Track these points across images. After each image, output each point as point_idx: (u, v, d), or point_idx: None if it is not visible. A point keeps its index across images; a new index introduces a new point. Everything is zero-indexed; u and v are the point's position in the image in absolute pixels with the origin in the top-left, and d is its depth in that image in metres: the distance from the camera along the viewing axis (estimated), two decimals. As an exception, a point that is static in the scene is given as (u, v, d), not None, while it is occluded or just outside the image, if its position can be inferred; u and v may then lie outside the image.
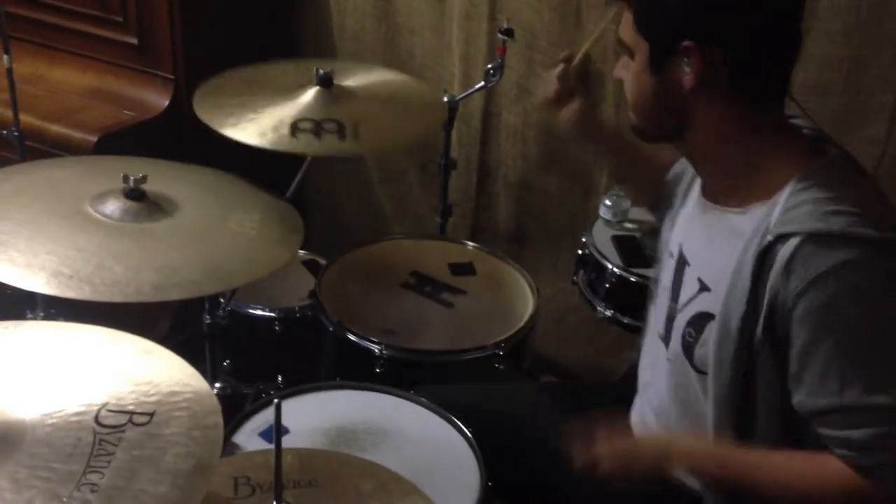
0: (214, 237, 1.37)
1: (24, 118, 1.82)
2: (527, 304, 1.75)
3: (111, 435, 0.82)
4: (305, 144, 1.57)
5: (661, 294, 1.26)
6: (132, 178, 1.33)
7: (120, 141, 1.96)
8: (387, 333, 1.61)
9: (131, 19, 2.04)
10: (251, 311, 1.84)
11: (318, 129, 1.59)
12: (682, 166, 1.33)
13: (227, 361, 1.83)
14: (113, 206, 1.33)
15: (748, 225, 1.07)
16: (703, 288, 1.14)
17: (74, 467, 0.78)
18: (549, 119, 2.13)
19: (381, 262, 1.85)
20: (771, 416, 1.08)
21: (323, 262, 1.89)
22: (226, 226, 1.40)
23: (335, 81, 1.67)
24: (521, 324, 1.67)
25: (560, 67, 1.46)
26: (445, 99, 1.94)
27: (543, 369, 2.34)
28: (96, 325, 0.98)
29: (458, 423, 1.34)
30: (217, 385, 1.78)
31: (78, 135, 1.96)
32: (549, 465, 1.25)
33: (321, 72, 1.66)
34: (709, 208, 1.17)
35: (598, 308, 1.78)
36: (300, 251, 1.94)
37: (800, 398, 1.03)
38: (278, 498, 0.86)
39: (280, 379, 1.80)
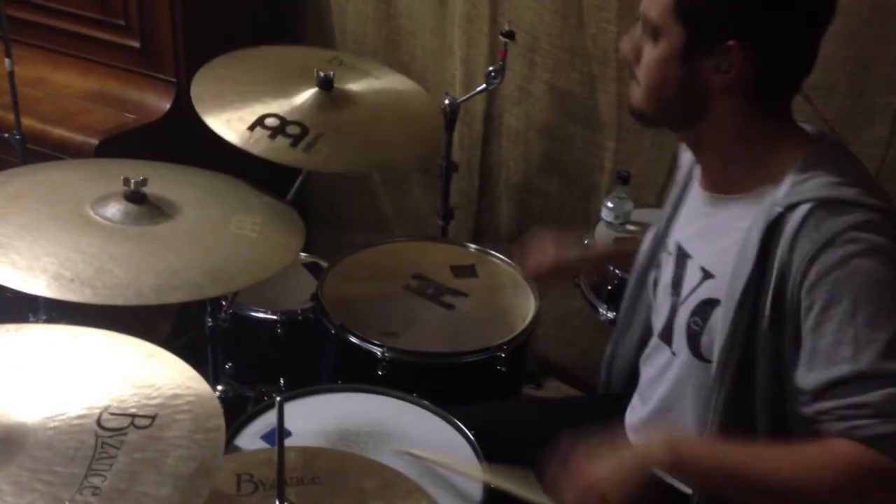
0: (216, 240, 1.37)
1: (26, 121, 1.82)
2: (529, 306, 1.74)
3: (113, 438, 0.82)
4: (255, 141, 1.55)
5: (660, 295, 1.26)
6: (133, 181, 1.33)
7: (121, 144, 1.96)
8: (389, 336, 1.61)
9: (133, 23, 2.04)
10: (253, 313, 1.84)
11: (280, 129, 1.57)
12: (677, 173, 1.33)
13: (229, 364, 1.83)
14: (114, 209, 1.33)
15: (752, 208, 1.08)
16: (707, 275, 1.14)
17: (76, 470, 0.78)
18: (550, 121, 2.13)
19: (383, 264, 1.85)
20: (767, 406, 1.07)
21: (324, 264, 1.89)
22: (227, 228, 1.40)
23: (336, 84, 1.67)
24: (523, 326, 1.67)
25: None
26: (447, 101, 1.95)
27: (545, 372, 2.34)
28: (98, 328, 0.98)
29: (460, 424, 1.33)
30: (219, 388, 1.78)
31: (79, 138, 1.97)
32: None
33: (321, 74, 1.66)
34: (710, 199, 1.17)
35: (601, 310, 1.77)
36: (302, 253, 1.93)
37: (814, 374, 0.99)
38: (281, 496, 0.86)
39: (282, 381, 1.79)
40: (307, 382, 1.45)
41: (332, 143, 1.59)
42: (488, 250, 1.92)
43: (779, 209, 1.02)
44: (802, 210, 1.00)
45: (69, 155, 1.95)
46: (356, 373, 1.54)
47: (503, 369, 1.60)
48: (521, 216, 2.28)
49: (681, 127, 1.16)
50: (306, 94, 1.66)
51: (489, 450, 1.29)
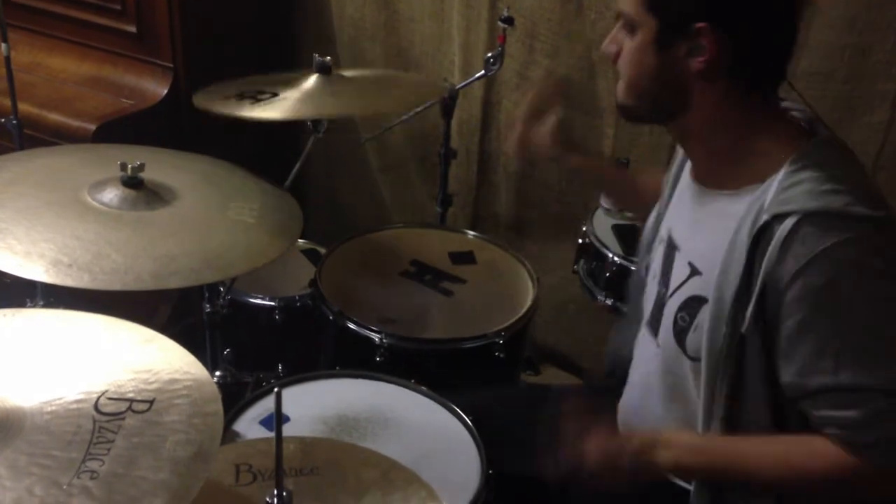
0: (213, 226, 1.36)
1: (23, 106, 1.81)
2: (527, 292, 1.74)
3: (111, 422, 0.82)
4: (259, 109, 1.54)
5: (650, 282, 1.26)
6: (130, 166, 1.32)
7: (118, 129, 1.95)
8: (387, 322, 1.61)
9: (130, 7, 2.03)
10: (251, 299, 1.84)
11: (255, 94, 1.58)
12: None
13: (228, 350, 1.82)
14: (111, 195, 1.32)
15: (740, 207, 1.07)
16: (695, 272, 1.14)
17: (74, 455, 0.78)
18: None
19: (382, 250, 1.85)
20: (758, 401, 1.07)
21: (323, 251, 1.89)
22: (225, 214, 1.40)
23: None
24: (521, 312, 1.67)
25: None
26: (445, 87, 1.94)
27: (543, 358, 2.35)
28: (96, 313, 0.98)
29: (459, 411, 1.34)
30: (217, 373, 1.78)
31: (76, 123, 1.96)
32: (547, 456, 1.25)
33: (319, 59, 1.65)
34: (699, 191, 1.16)
35: (598, 297, 1.78)
36: (300, 240, 1.93)
37: (790, 378, 1.03)
38: (279, 485, 0.86)
39: (280, 367, 1.80)
40: (305, 368, 1.45)
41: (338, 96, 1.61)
42: (486, 237, 1.92)
43: (766, 217, 1.01)
44: (789, 223, 0.99)
45: (66, 140, 1.94)
46: (354, 359, 1.55)
47: (501, 356, 1.60)
48: (519, 203, 2.28)
49: (664, 118, 1.15)
50: (306, 81, 1.65)
51: (487, 435, 1.29)
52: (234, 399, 1.33)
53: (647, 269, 1.30)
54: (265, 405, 1.33)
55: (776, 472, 1.07)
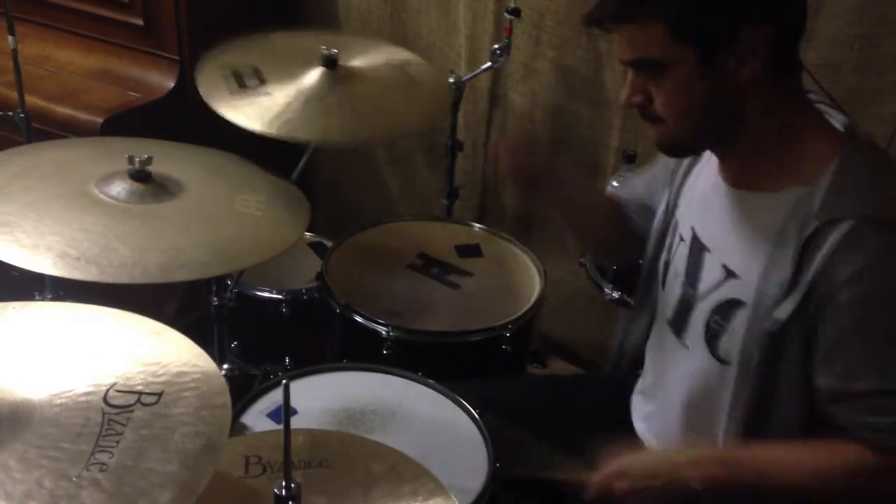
0: (220, 219, 1.36)
1: (30, 99, 1.81)
2: (534, 285, 1.74)
3: (120, 415, 0.82)
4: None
5: (670, 280, 1.24)
6: (138, 159, 1.33)
7: (126, 122, 1.95)
8: (393, 315, 1.61)
9: (136, 0, 2.03)
10: (258, 293, 1.84)
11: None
12: None
13: (235, 343, 1.83)
14: (119, 188, 1.33)
15: (782, 209, 1.05)
16: (730, 275, 1.11)
17: (83, 447, 0.79)
18: (556, 100, 2.12)
19: (388, 244, 1.85)
20: (791, 405, 1.07)
21: (329, 244, 1.89)
22: (232, 207, 1.40)
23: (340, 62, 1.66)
24: (528, 305, 1.67)
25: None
26: (452, 80, 1.93)
27: (550, 351, 2.34)
28: (104, 306, 0.98)
29: (466, 404, 1.34)
30: (225, 366, 1.79)
31: (84, 116, 1.96)
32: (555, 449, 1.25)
33: (325, 52, 1.64)
34: (732, 192, 1.13)
35: (606, 290, 1.77)
36: (306, 233, 1.93)
37: (830, 381, 1.02)
38: (287, 476, 0.86)
39: (287, 361, 1.80)
40: (312, 362, 1.45)
41: (338, 116, 1.58)
42: (493, 230, 1.92)
43: (817, 222, 0.99)
44: (843, 228, 0.98)
45: (73, 133, 1.94)
46: (361, 352, 1.55)
47: (508, 349, 1.60)
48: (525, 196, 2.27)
49: (720, 142, 1.11)
50: (311, 74, 1.64)
51: (494, 428, 1.29)
52: (242, 392, 1.34)
53: (664, 265, 1.28)
54: (273, 398, 1.33)
55: (807, 477, 1.06)
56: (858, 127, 1.09)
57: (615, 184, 1.89)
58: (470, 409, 1.33)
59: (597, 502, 1.13)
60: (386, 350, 1.55)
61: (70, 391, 0.84)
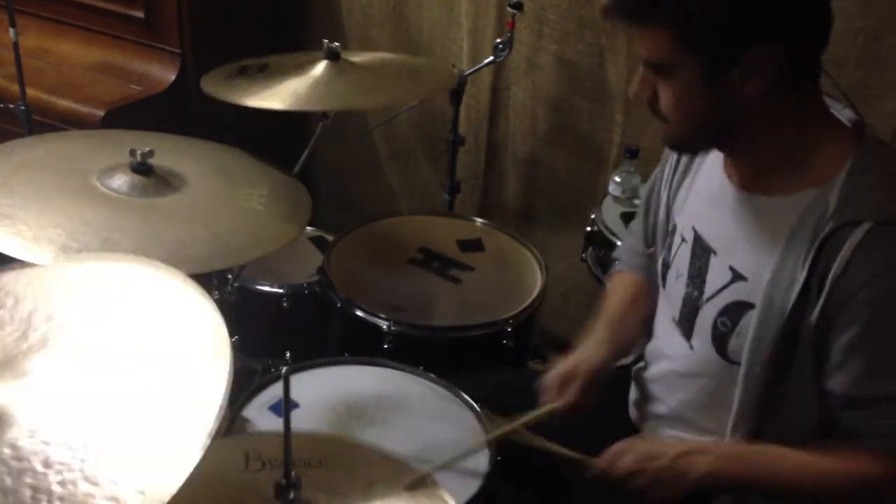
0: (222, 212, 1.36)
1: (31, 92, 1.81)
2: (535, 280, 1.74)
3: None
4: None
5: (671, 280, 1.23)
6: (139, 152, 1.32)
7: (127, 115, 1.95)
8: (395, 310, 1.61)
9: (138, -7, 2.03)
10: (259, 287, 1.84)
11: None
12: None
13: (236, 337, 1.83)
14: (121, 181, 1.32)
15: (794, 211, 1.04)
16: (738, 277, 1.11)
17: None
18: (558, 94, 2.11)
19: (389, 238, 1.85)
20: (801, 405, 1.06)
21: (330, 238, 1.89)
22: (233, 201, 1.39)
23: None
24: (530, 300, 1.67)
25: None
26: (455, 74, 1.93)
27: (551, 346, 2.34)
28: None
29: (467, 398, 1.33)
30: (225, 360, 1.78)
31: (85, 109, 1.96)
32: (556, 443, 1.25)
33: (329, 45, 1.65)
34: (739, 195, 1.12)
35: (607, 285, 1.76)
36: (308, 227, 1.93)
37: (842, 386, 1.01)
38: (287, 471, 0.86)
39: (288, 355, 1.80)
40: (313, 356, 1.45)
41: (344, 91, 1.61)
42: (495, 224, 1.92)
43: (832, 224, 0.99)
44: (860, 232, 0.97)
45: (74, 126, 1.94)
46: (362, 346, 1.55)
47: (509, 343, 1.60)
48: (527, 190, 2.27)
49: (723, 145, 1.11)
50: (315, 67, 1.65)
51: (494, 422, 1.29)
52: (243, 385, 1.34)
53: (663, 265, 1.27)
54: (274, 391, 1.33)
55: (811, 482, 1.06)
56: (867, 125, 1.08)
57: (617, 179, 1.89)
58: (471, 402, 1.32)
59: (598, 484, 1.12)
60: (387, 344, 1.55)
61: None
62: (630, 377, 1.36)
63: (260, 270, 1.84)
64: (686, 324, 1.19)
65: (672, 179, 1.28)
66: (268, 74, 1.64)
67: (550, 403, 1.27)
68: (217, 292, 1.70)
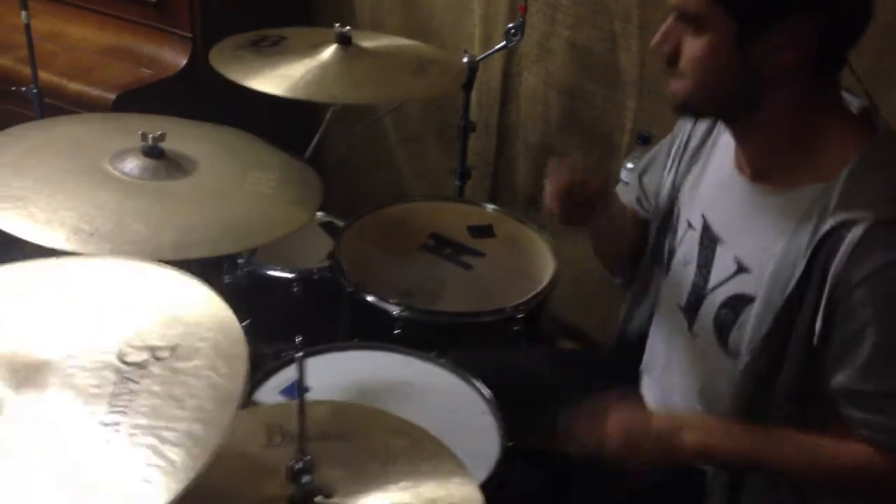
0: (233, 196, 1.36)
1: (43, 75, 1.81)
2: (546, 267, 1.73)
3: (133, 372, 0.81)
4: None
5: (677, 266, 1.23)
6: (151, 136, 1.32)
7: (138, 99, 1.95)
8: (405, 295, 1.61)
9: (149, -23, 2.02)
10: (270, 272, 1.84)
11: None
12: (682, 131, 1.28)
13: (246, 322, 1.83)
14: (132, 164, 1.32)
15: (800, 205, 1.03)
16: (742, 268, 1.10)
17: (98, 407, 0.77)
18: (570, 80, 2.10)
19: (400, 224, 1.84)
20: (791, 399, 1.06)
21: (341, 223, 1.89)
22: (244, 185, 1.39)
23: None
24: (541, 287, 1.66)
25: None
26: (465, 59, 1.92)
27: (562, 333, 2.34)
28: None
29: (478, 383, 1.33)
30: (236, 344, 1.78)
31: (96, 92, 1.96)
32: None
33: (339, 29, 1.64)
34: (747, 185, 1.11)
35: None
36: (318, 213, 1.93)
37: (843, 381, 1.01)
38: (301, 450, 0.86)
39: (298, 340, 1.80)
40: (323, 341, 1.45)
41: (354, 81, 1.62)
42: (505, 210, 1.91)
43: (832, 222, 0.97)
44: (859, 229, 0.95)
45: (86, 109, 1.94)
46: (372, 331, 1.54)
47: (520, 330, 1.60)
48: (538, 176, 2.26)
49: (732, 116, 1.09)
50: (324, 52, 1.65)
51: (506, 405, 1.29)
52: (254, 369, 1.34)
53: (668, 250, 1.27)
54: (285, 375, 1.33)
55: (804, 462, 1.05)
56: (880, 118, 1.06)
57: (629, 165, 1.87)
58: (482, 388, 1.32)
59: (596, 462, 1.11)
60: (397, 330, 1.55)
61: (84, 349, 0.81)
62: (634, 368, 1.36)
63: (270, 255, 1.84)
64: (691, 311, 1.19)
65: (679, 163, 1.26)
66: (279, 49, 1.64)
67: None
68: (228, 277, 1.71)
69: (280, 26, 1.80)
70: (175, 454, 0.71)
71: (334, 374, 1.36)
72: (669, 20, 1.05)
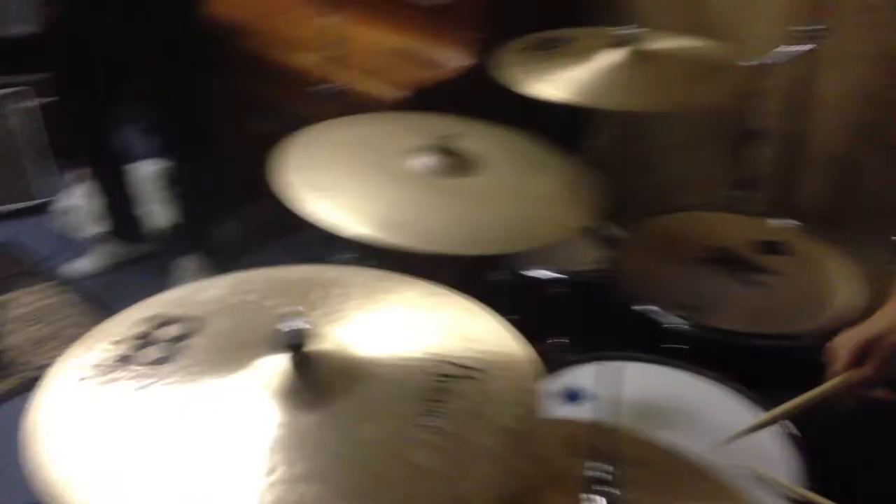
0: (518, 196, 1.37)
1: (344, 75, 1.93)
2: (851, 293, 1.55)
3: (447, 383, 0.83)
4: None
5: None
6: (445, 135, 1.36)
7: (427, 98, 2.02)
8: (686, 309, 1.51)
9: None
10: (535, 272, 1.83)
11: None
12: None
13: (514, 318, 1.83)
14: (426, 161, 1.37)
15: None
16: None
17: (415, 408, 0.80)
18: (874, 87, 1.88)
19: (680, 234, 1.76)
20: None
21: (616, 230, 1.83)
22: (528, 186, 1.40)
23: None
24: (841, 314, 1.49)
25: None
26: (758, 62, 1.78)
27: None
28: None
29: (784, 419, 1.21)
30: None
31: (388, 92, 2.06)
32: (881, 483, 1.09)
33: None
34: None
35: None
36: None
37: None
38: (612, 465, 0.83)
39: (565, 343, 1.77)
40: (589, 347, 1.40)
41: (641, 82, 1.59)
42: (798, 226, 1.75)
43: None
44: None
45: (377, 107, 2.05)
46: (644, 343, 1.47)
47: (813, 359, 1.44)
48: (832, 192, 2.05)
49: None
50: (611, 54, 1.63)
51: (812, 450, 1.15)
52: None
53: None
54: (560, 379, 1.30)
55: None
56: None
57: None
58: (787, 424, 1.19)
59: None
60: (675, 344, 1.46)
61: (401, 356, 0.86)
62: None
63: (537, 256, 1.83)
64: None
65: None
66: (564, 50, 1.62)
67: (842, 375, 1.09)
68: (494, 275, 1.72)
69: (554, 27, 1.79)
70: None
71: (611, 384, 1.30)
72: None
